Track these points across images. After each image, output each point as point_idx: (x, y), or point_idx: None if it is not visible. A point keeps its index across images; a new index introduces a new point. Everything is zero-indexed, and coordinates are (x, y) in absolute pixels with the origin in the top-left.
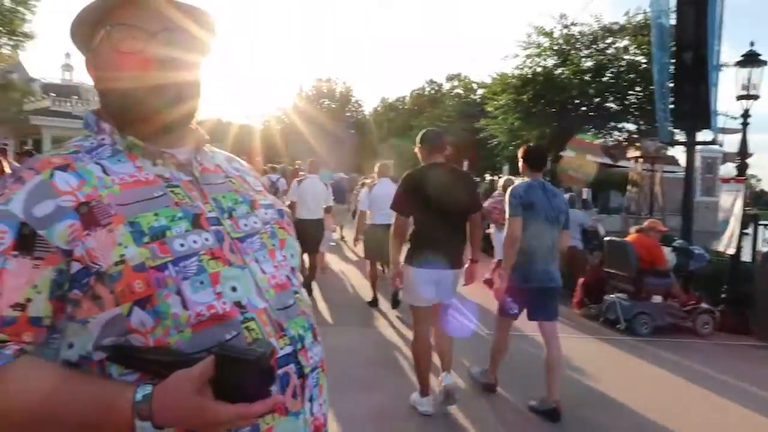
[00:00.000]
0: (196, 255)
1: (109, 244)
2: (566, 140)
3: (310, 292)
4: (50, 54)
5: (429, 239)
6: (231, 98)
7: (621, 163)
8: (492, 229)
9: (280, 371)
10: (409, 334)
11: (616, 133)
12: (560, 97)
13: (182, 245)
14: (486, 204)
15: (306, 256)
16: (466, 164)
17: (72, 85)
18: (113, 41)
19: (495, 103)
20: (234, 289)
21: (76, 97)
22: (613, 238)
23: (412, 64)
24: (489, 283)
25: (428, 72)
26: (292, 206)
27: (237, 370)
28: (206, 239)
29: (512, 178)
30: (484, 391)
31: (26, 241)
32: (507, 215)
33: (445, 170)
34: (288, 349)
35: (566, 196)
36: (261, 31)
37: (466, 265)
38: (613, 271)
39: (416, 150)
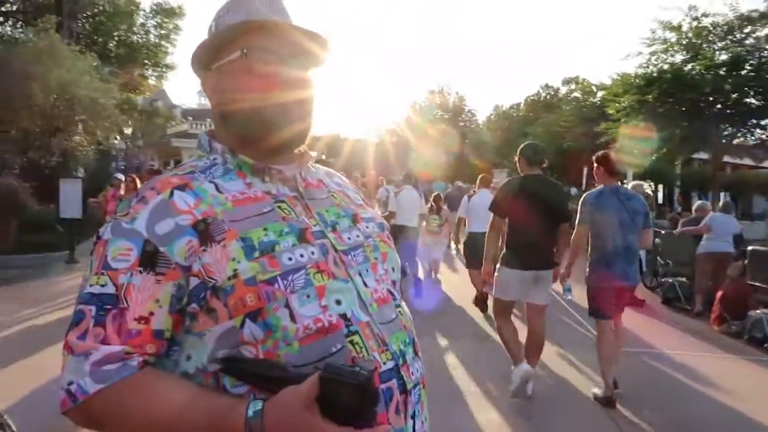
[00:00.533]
0: (304, 268)
1: (223, 259)
2: (699, 141)
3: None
4: (188, 82)
5: (522, 243)
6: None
7: (765, 164)
8: None
9: (383, 386)
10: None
11: (758, 131)
12: (691, 95)
13: (290, 259)
14: None
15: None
16: (585, 171)
17: (207, 110)
18: (247, 64)
19: (617, 105)
20: (338, 302)
21: (210, 120)
22: (758, 248)
23: (525, 70)
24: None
25: (543, 77)
26: (391, 215)
27: (342, 392)
28: (312, 253)
29: (641, 183)
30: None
31: (149, 257)
32: (576, 222)
33: (540, 181)
34: (390, 364)
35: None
36: (374, 46)
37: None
38: (758, 284)
39: (516, 160)
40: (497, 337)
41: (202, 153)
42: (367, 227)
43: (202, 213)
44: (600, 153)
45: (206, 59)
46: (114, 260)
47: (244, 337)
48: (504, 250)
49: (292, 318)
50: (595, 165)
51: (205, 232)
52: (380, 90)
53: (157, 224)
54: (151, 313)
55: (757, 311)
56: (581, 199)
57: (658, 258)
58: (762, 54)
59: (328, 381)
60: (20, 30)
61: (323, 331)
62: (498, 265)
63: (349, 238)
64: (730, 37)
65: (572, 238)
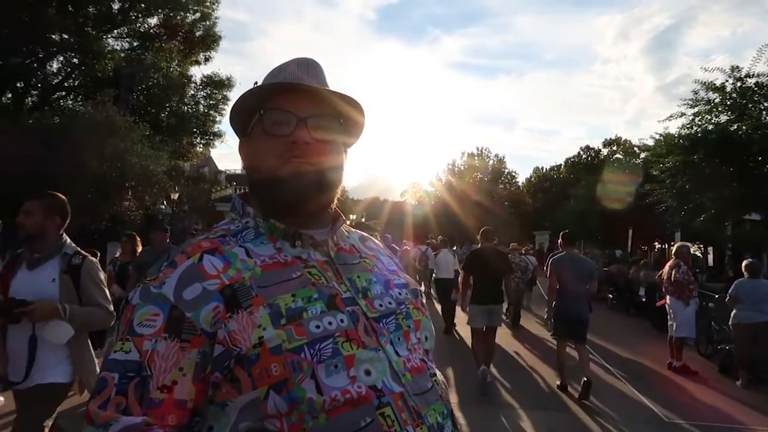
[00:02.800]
0: (332, 337)
1: (249, 326)
2: (750, 202)
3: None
4: (233, 148)
5: (480, 288)
6: (387, 177)
7: None
8: (672, 301)
9: None
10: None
11: None
12: (738, 155)
13: (318, 327)
14: (672, 275)
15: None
16: (630, 233)
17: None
18: (265, 125)
19: (661, 166)
20: (368, 372)
21: None
22: None
23: (564, 133)
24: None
25: (583, 140)
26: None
27: None
28: (341, 320)
29: (687, 244)
30: None
31: (175, 323)
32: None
33: (492, 250)
34: None
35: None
36: (413, 110)
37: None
38: None
39: (478, 236)
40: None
41: (235, 216)
42: (399, 294)
43: (230, 278)
44: (562, 232)
45: (241, 124)
46: (140, 326)
47: (269, 410)
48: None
49: (319, 390)
50: (560, 239)
51: (232, 297)
52: (419, 153)
53: (186, 289)
54: (175, 382)
55: None
56: (549, 260)
57: (713, 324)
58: None
59: None
60: (80, 103)
61: (352, 403)
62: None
63: (381, 305)
64: None
65: (548, 286)
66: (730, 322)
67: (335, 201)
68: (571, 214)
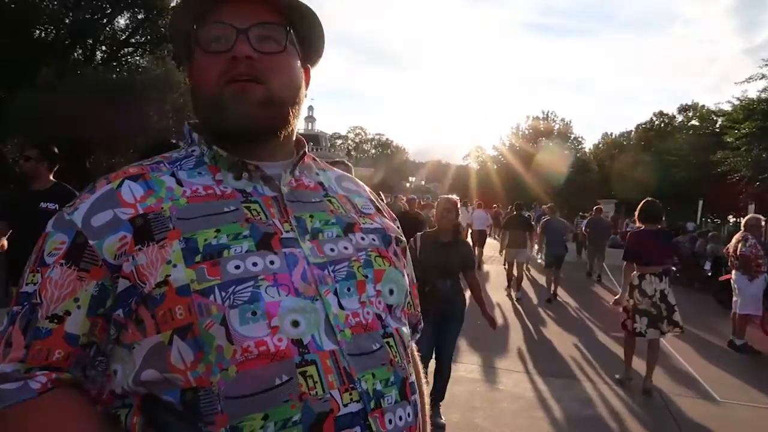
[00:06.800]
0: (253, 280)
1: (158, 262)
2: None
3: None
4: None
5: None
6: (449, 140)
7: None
8: (737, 276)
9: None
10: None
11: None
12: None
13: (238, 267)
14: (738, 249)
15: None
16: (700, 204)
17: (312, 134)
18: (201, 42)
19: (736, 132)
20: (296, 323)
21: (312, 143)
22: None
23: (635, 98)
24: None
25: (656, 104)
26: (469, 226)
27: None
28: (271, 262)
29: (758, 216)
30: None
31: (76, 250)
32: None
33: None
34: (354, 407)
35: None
36: (477, 71)
37: None
38: None
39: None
40: None
41: (183, 144)
42: (362, 239)
43: (146, 208)
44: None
45: (184, 48)
46: (49, 255)
47: (172, 359)
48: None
49: (229, 338)
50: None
51: (143, 228)
52: (483, 116)
53: (95, 216)
54: (68, 313)
55: None
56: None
57: None
58: None
59: None
60: (146, 59)
61: (267, 357)
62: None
63: (333, 250)
64: None
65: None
66: None
67: (293, 127)
68: (637, 183)
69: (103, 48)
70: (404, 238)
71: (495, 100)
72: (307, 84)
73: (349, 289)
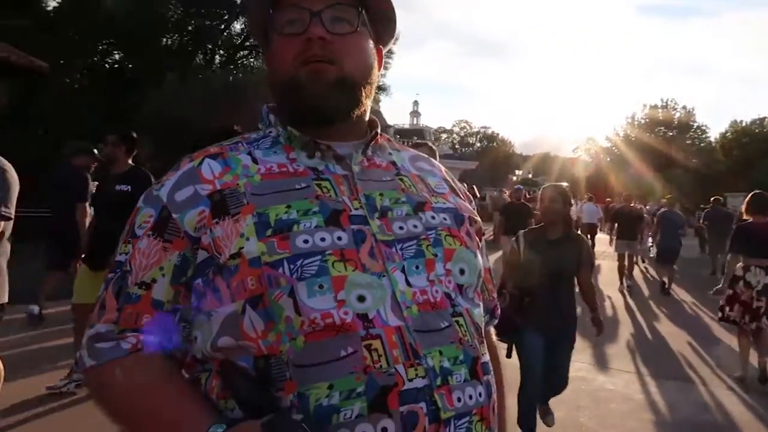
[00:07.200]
0: (321, 254)
1: (233, 235)
2: None
3: None
4: (402, 103)
5: None
6: (557, 132)
7: None
8: None
9: (403, 409)
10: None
11: None
12: None
13: (306, 242)
14: None
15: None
16: None
17: (417, 129)
18: (277, 26)
19: None
20: (362, 298)
21: (416, 137)
22: None
23: (759, 81)
24: None
25: None
26: (578, 220)
27: None
28: (338, 238)
29: None
30: None
31: (162, 223)
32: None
33: None
34: (419, 383)
35: None
36: (587, 59)
37: None
38: None
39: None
40: None
41: (261, 126)
42: (432, 217)
43: (223, 184)
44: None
45: (261, 35)
46: (139, 228)
47: (244, 327)
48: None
49: (297, 309)
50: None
51: (220, 203)
52: (594, 107)
53: (178, 191)
54: (154, 281)
55: None
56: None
57: None
58: None
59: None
60: (260, 60)
61: (333, 329)
62: None
63: (402, 228)
64: None
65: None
66: None
67: (365, 107)
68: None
69: (221, 52)
70: (479, 219)
71: (607, 89)
72: (380, 65)
73: (417, 267)
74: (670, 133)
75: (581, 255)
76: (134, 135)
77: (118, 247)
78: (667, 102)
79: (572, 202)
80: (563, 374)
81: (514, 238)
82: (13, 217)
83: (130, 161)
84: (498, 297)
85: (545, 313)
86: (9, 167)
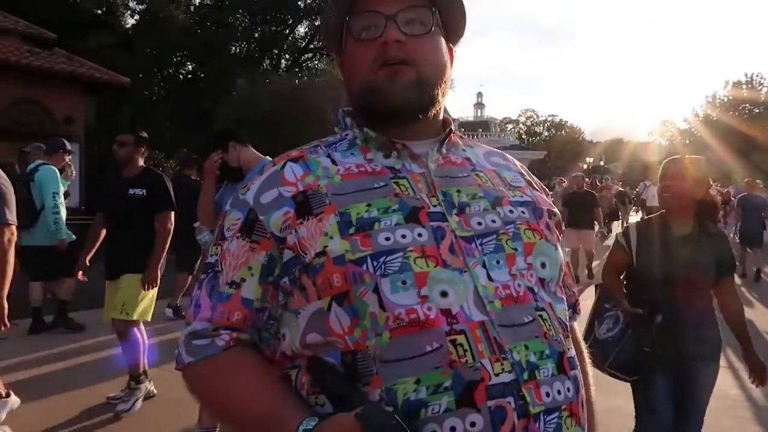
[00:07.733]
0: (402, 251)
1: (317, 234)
2: None
3: None
4: (466, 95)
5: None
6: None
7: None
8: None
9: (490, 403)
10: None
11: None
12: None
13: (388, 239)
14: None
15: None
16: None
17: (481, 121)
18: (353, 33)
19: None
20: (444, 294)
21: (481, 129)
22: None
23: None
24: None
25: None
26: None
27: None
28: (419, 235)
29: None
30: None
31: (249, 225)
32: None
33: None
34: (506, 377)
35: None
36: (658, 39)
37: None
38: None
39: None
40: None
41: (338, 130)
42: (511, 212)
43: (306, 185)
44: None
45: (335, 41)
46: (227, 230)
47: (331, 323)
48: None
49: (381, 305)
50: None
51: (303, 204)
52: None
53: (263, 194)
54: (243, 280)
55: None
56: None
57: None
58: None
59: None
60: (324, 62)
61: (418, 324)
62: None
63: (480, 223)
64: None
65: None
66: None
67: (440, 106)
68: None
69: (287, 56)
70: (557, 211)
71: (681, 68)
72: (451, 63)
73: (498, 262)
74: (756, 110)
75: (721, 259)
76: (145, 134)
77: (137, 255)
78: (752, 77)
79: (710, 182)
80: (697, 422)
81: (621, 234)
82: (15, 223)
83: (141, 162)
84: (603, 316)
85: (674, 335)
86: (1, 174)
